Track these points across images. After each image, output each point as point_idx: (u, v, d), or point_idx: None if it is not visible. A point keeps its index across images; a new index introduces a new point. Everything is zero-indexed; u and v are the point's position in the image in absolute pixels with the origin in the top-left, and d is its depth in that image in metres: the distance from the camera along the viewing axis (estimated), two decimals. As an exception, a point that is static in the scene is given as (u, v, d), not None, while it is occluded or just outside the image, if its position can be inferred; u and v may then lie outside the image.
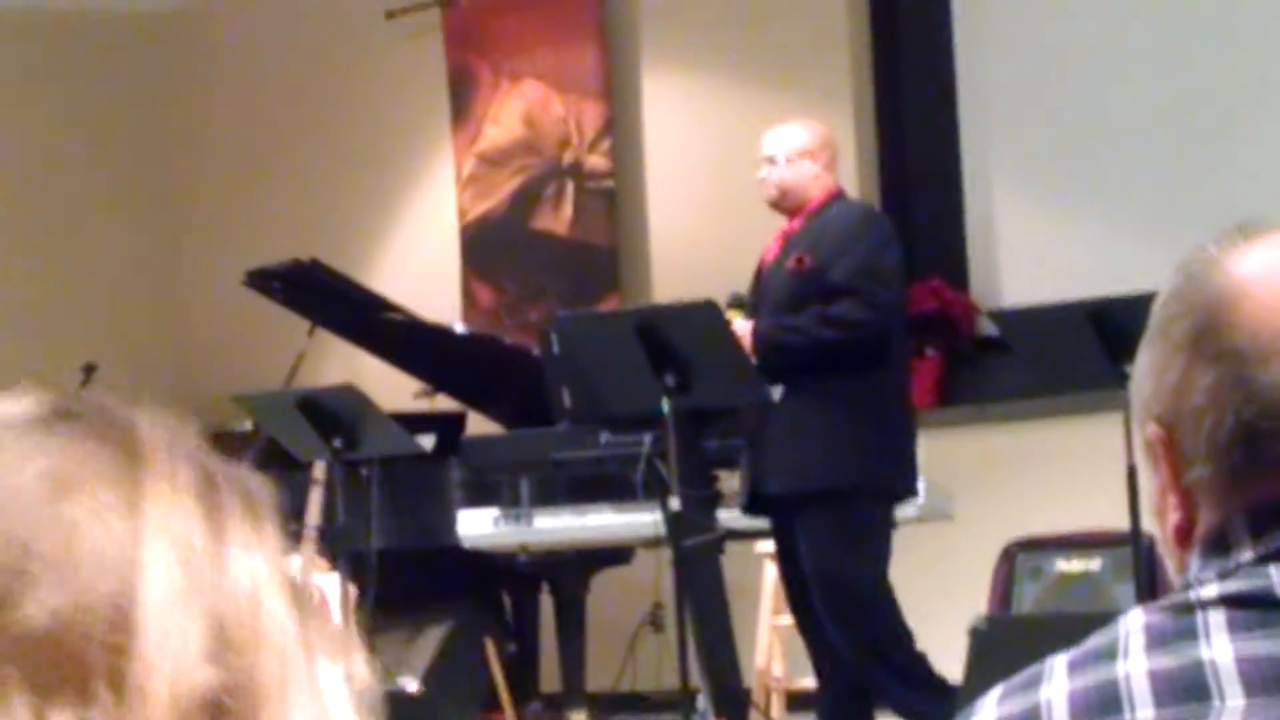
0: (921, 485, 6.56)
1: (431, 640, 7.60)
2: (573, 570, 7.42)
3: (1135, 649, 1.30)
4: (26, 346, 10.06)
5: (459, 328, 8.73)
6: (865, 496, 6.14)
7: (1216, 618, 1.30)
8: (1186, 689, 1.27)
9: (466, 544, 7.31)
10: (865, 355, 6.11)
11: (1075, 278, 7.57)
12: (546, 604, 7.74)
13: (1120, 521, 6.03)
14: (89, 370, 9.14)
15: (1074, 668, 1.32)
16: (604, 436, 7.05)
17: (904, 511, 6.43)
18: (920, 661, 6.23)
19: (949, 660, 6.17)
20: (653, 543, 6.88)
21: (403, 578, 7.16)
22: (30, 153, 10.45)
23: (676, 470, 6.09)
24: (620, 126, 9.34)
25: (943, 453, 7.77)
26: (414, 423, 7.43)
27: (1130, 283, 5.50)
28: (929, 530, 6.96)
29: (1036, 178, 8.47)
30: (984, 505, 7.49)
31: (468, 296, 9.73)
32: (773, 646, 7.59)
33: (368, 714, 0.91)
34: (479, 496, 7.31)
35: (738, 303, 6.34)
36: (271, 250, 8.53)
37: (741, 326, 6.16)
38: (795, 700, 7.54)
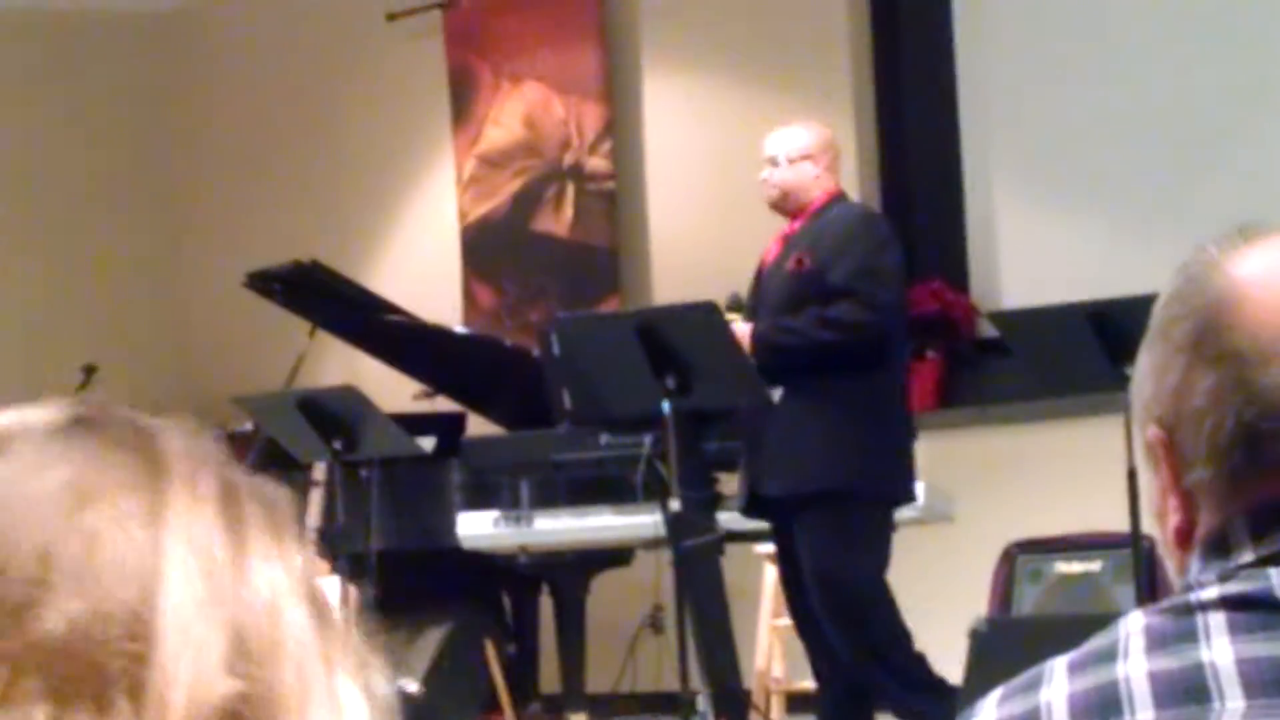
0: (922, 487, 6.55)
1: (431, 641, 7.59)
2: (573, 572, 7.42)
3: (1135, 651, 1.30)
4: (26, 347, 10.06)
5: (459, 329, 8.74)
6: (863, 499, 6.14)
7: (1217, 620, 1.30)
8: (1187, 691, 1.27)
9: (466, 545, 7.31)
10: (864, 357, 6.11)
11: (1076, 279, 7.57)
12: (546, 605, 7.74)
13: (1120, 523, 6.03)
14: (89, 371, 9.14)
15: (1074, 669, 1.32)
16: (604, 438, 7.05)
17: (904, 513, 6.43)
18: (919, 662, 6.23)
19: (949, 662, 6.17)
20: (653, 544, 6.88)
21: (402, 579, 7.16)
22: (30, 153, 10.45)
23: (676, 472, 6.09)
24: (621, 128, 9.35)
25: (943, 454, 7.77)
26: (414, 424, 7.43)
27: (1131, 284, 5.49)
28: (929, 532, 6.96)
29: (1037, 179, 8.46)
30: (984, 507, 7.49)
31: (468, 298, 9.73)
32: (773, 648, 7.59)
33: None
34: (479, 498, 7.31)
35: (736, 304, 6.34)
36: (272, 251, 8.53)
37: (740, 328, 6.17)
38: (795, 701, 7.54)
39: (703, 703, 6.57)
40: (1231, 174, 7.87)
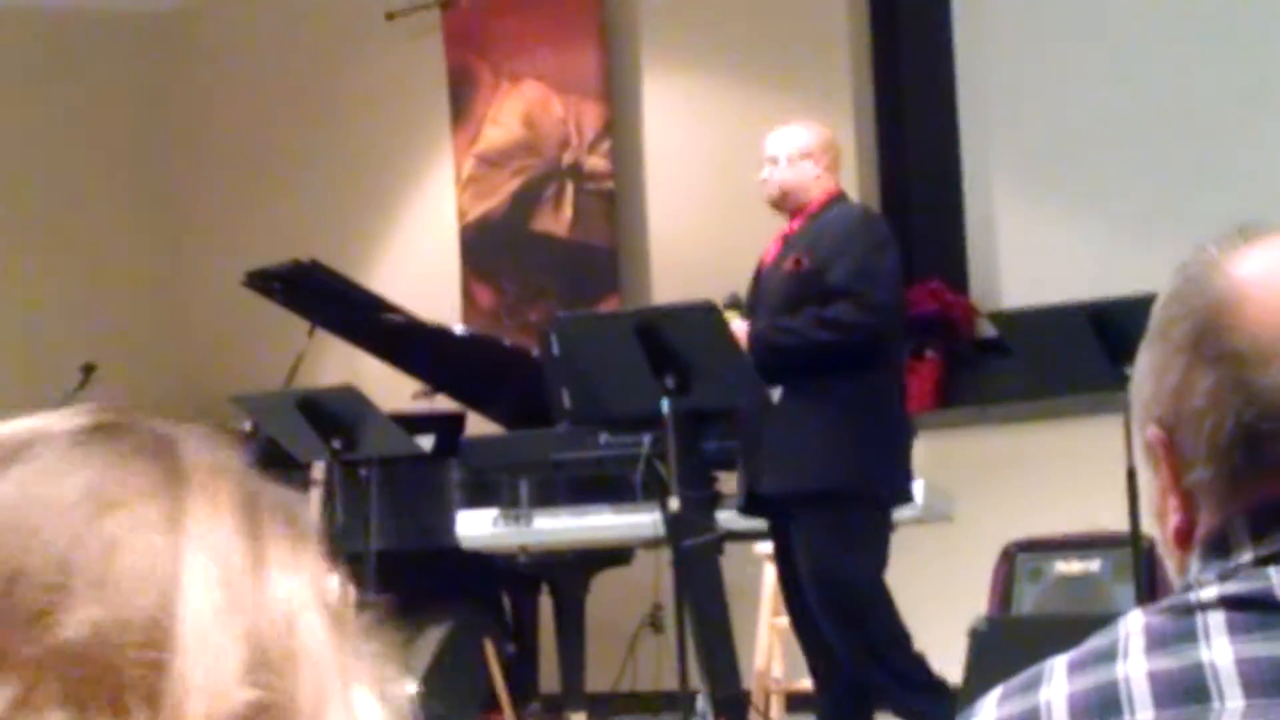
0: (921, 486, 6.56)
1: (431, 641, 7.60)
2: (572, 571, 7.42)
3: (1135, 650, 1.30)
4: (26, 346, 10.06)
5: (458, 328, 8.73)
6: (861, 499, 6.14)
7: (1216, 619, 1.30)
8: (1186, 691, 1.27)
9: (466, 545, 7.31)
10: (861, 357, 6.11)
11: (1075, 279, 7.57)
12: (546, 605, 7.74)
13: (1120, 523, 6.03)
14: (88, 370, 9.13)
15: (1074, 669, 1.32)
16: (603, 437, 7.05)
17: (904, 512, 6.44)
18: (918, 662, 6.23)
19: (949, 661, 6.17)
20: (652, 543, 6.89)
21: (402, 579, 7.16)
22: (30, 152, 10.46)
23: (676, 471, 6.09)
24: (620, 127, 9.35)
25: (943, 454, 7.77)
26: (413, 423, 7.43)
27: (1130, 284, 5.49)
28: (929, 531, 6.96)
29: (1036, 179, 8.47)
30: (984, 506, 7.49)
31: (467, 297, 9.73)
32: (772, 647, 7.59)
33: None
34: (478, 497, 7.31)
35: (735, 304, 6.35)
36: (271, 250, 8.53)
37: (738, 326, 6.17)
38: (795, 701, 7.54)
39: (702, 702, 6.57)
40: (1231, 174, 7.87)
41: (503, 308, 9.62)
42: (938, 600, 7.15)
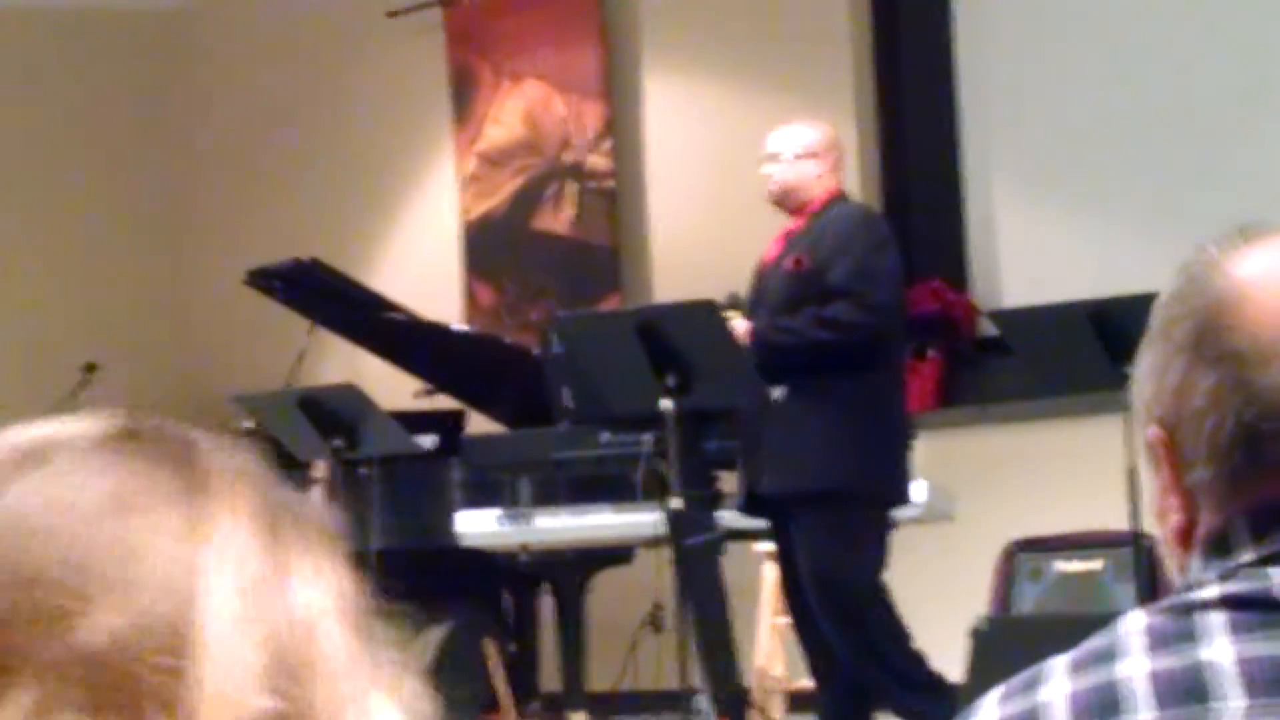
0: (922, 486, 6.56)
1: (431, 640, 7.60)
2: (573, 570, 7.42)
3: (1136, 650, 1.30)
4: (27, 345, 10.06)
5: (459, 327, 8.73)
6: (860, 499, 6.14)
7: (1217, 619, 1.30)
8: (1187, 690, 1.27)
9: (467, 544, 7.31)
10: (860, 357, 6.11)
11: (1076, 279, 7.57)
12: (547, 604, 7.74)
13: (1121, 522, 6.03)
14: (90, 369, 9.14)
15: (1074, 669, 1.32)
16: (604, 436, 7.05)
17: (905, 512, 6.44)
18: (918, 661, 6.23)
19: (949, 661, 6.17)
20: (653, 543, 6.88)
21: (403, 578, 7.15)
22: (30, 152, 10.45)
23: (677, 470, 6.10)
24: (621, 126, 9.35)
25: (943, 453, 7.77)
26: (414, 422, 7.43)
27: (1131, 284, 5.49)
28: (929, 531, 6.96)
29: (1037, 178, 8.47)
30: (985, 506, 7.49)
31: (468, 296, 9.73)
32: (773, 646, 7.59)
33: None
34: (479, 496, 7.31)
35: (735, 303, 6.35)
36: (272, 249, 8.53)
37: (738, 325, 6.17)
38: (796, 700, 7.54)
39: (703, 701, 6.57)
40: (1231, 174, 7.87)
41: (504, 307, 9.62)
42: (938, 600, 7.15)
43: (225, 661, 0.82)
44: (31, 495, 0.85)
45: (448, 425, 7.86)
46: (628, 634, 8.06)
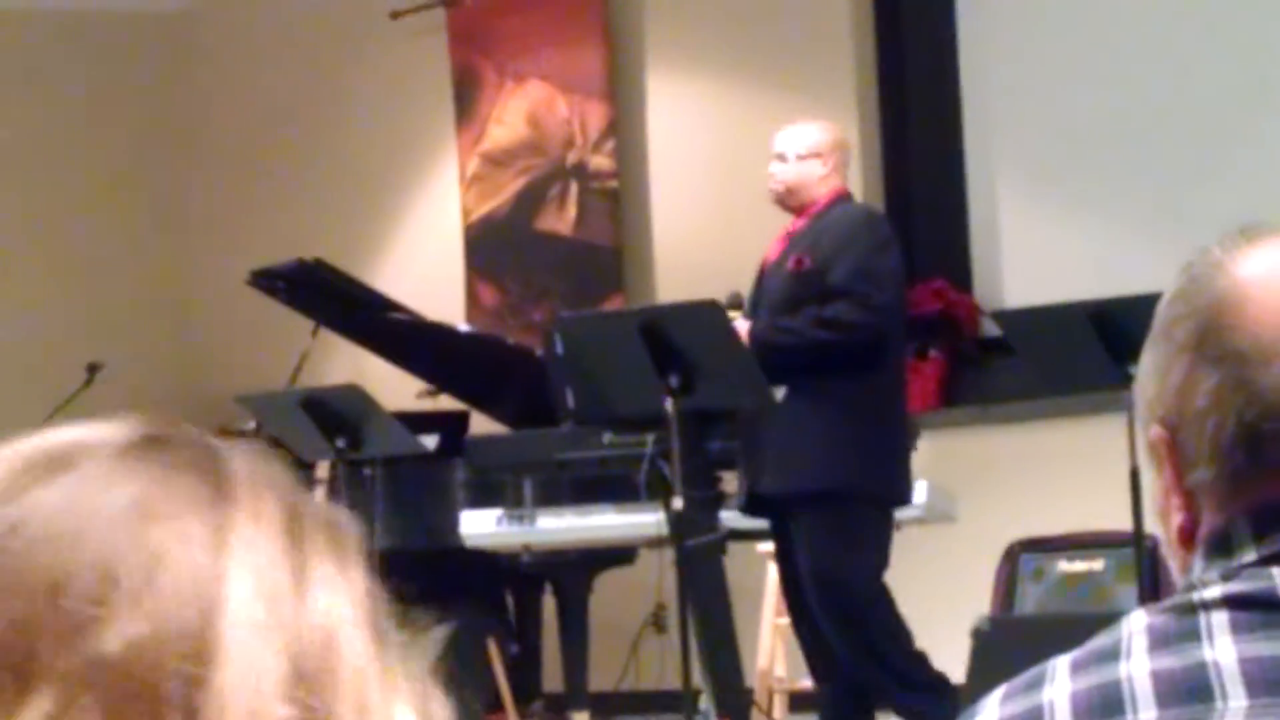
0: (924, 486, 6.56)
1: (434, 640, 7.58)
2: (576, 570, 7.42)
3: (1138, 650, 1.30)
4: (30, 346, 10.07)
5: (462, 327, 8.73)
6: (860, 499, 6.14)
7: (1219, 619, 1.30)
8: (1189, 690, 1.27)
9: (470, 544, 7.31)
10: (860, 358, 6.11)
11: (1078, 279, 7.57)
12: (549, 604, 7.74)
13: (1123, 522, 6.03)
14: (93, 370, 9.14)
15: (1076, 669, 1.32)
16: (607, 437, 7.04)
17: (907, 512, 6.44)
18: (918, 661, 6.23)
19: (951, 661, 6.17)
20: (656, 543, 6.88)
21: (406, 578, 7.15)
22: (33, 153, 10.46)
23: (680, 471, 6.10)
24: (624, 127, 9.35)
25: (946, 453, 7.78)
26: (417, 423, 7.43)
27: (1133, 284, 5.50)
28: (931, 531, 6.96)
29: (1039, 178, 8.47)
30: (987, 506, 7.49)
31: (471, 296, 9.73)
32: (775, 647, 7.59)
33: None
34: (482, 496, 7.31)
35: (736, 302, 6.35)
36: (275, 249, 8.53)
37: (739, 326, 6.17)
38: (798, 701, 7.53)
39: (705, 702, 6.57)
40: (1233, 174, 7.87)
41: (507, 307, 9.62)
42: (940, 600, 7.15)
43: (247, 670, 0.82)
44: (56, 501, 0.85)
45: (451, 426, 7.86)
46: (630, 634, 8.06)
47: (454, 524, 7.29)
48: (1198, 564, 1.38)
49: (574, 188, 9.46)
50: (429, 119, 9.89)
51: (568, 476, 7.16)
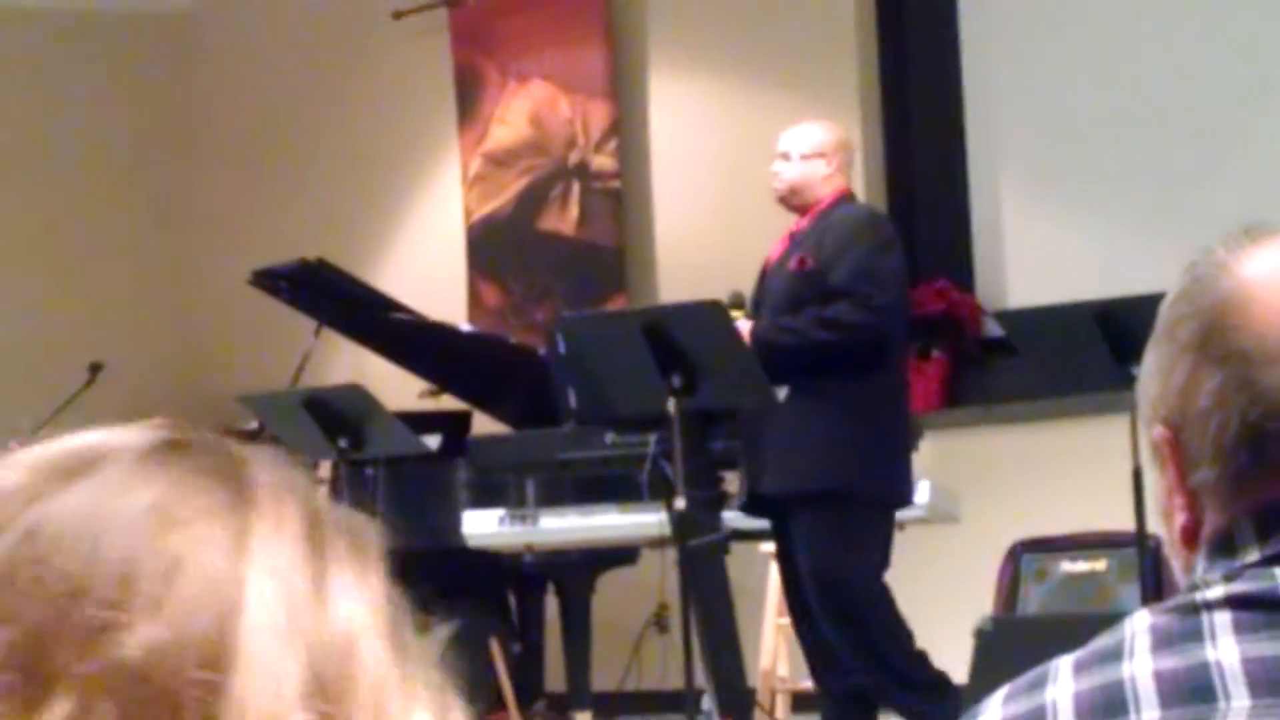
0: (927, 486, 6.56)
1: (436, 640, 7.58)
2: (578, 570, 7.42)
3: (1141, 650, 1.30)
4: (33, 345, 10.07)
5: (465, 327, 8.73)
6: (860, 499, 6.14)
7: (1222, 619, 1.30)
8: (1192, 690, 1.27)
9: (472, 544, 7.31)
10: (862, 358, 6.11)
11: (1081, 279, 7.57)
12: (552, 604, 7.74)
13: (1126, 522, 6.03)
14: (95, 369, 9.14)
15: (1079, 669, 1.32)
16: (609, 437, 7.04)
17: (910, 512, 6.44)
18: (919, 661, 6.23)
19: (954, 661, 6.17)
20: (658, 543, 6.88)
21: (408, 578, 7.15)
22: (36, 152, 10.46)
23: (682, 471, 6.10)
24: (627, 127, 9.35)
25: (948, 454, 7.77)
26: (420, 422, 7.43)
27: (1136, 284, 5.50)
28: (934, 531, 6.96)
29: (1043, 179, 8.47)
30: (990, 506, 7.49)
31: (473, 296, 9.73)
32: (778, 647, 7.59)
33: None
34: (485, 496, 7.31)
35: (737, 302, 6.35)
36: (277, 249, 8.53)
37: (741, 326, 6.17)
38: (800, 701, 7.54)
39: (708, 702, 6.57)
40: (1237, 175, 7.87)
41: (509, 307, 9.62)
42: (943, 600, 7.15)
43: (266, 677, 0.81)
44: (76, 504, 0.84)
45: (453, 426, 7.86)
46: (632, 634, 8.06)
47: (456, 524, 7.29)
48: (1200, 564, 1.38)
49: (576, 188, 9.46)
50: (431, 119, 9.89)
51: (570, 476, 7.16)
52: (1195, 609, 1.31)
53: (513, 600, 7.98)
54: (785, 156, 6.39)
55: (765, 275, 6.42)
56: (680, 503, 6.13)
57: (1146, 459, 1.44)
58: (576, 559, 7.38)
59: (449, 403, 8.40)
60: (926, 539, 6.94)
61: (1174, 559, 1.42)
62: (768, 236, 6.58)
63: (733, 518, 6.69)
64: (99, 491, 0.85)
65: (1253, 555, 1.34)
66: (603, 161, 9.38)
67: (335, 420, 6.95)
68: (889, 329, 6.18)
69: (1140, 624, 1.32)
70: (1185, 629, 1.30)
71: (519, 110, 9.64)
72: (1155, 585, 5.98)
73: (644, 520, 6.82)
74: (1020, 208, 8.52)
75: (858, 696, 6.34)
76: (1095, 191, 8.26)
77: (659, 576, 7.52)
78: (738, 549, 6.99)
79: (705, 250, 8.82)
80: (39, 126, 10.48)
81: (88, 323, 10.27)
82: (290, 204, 10.37)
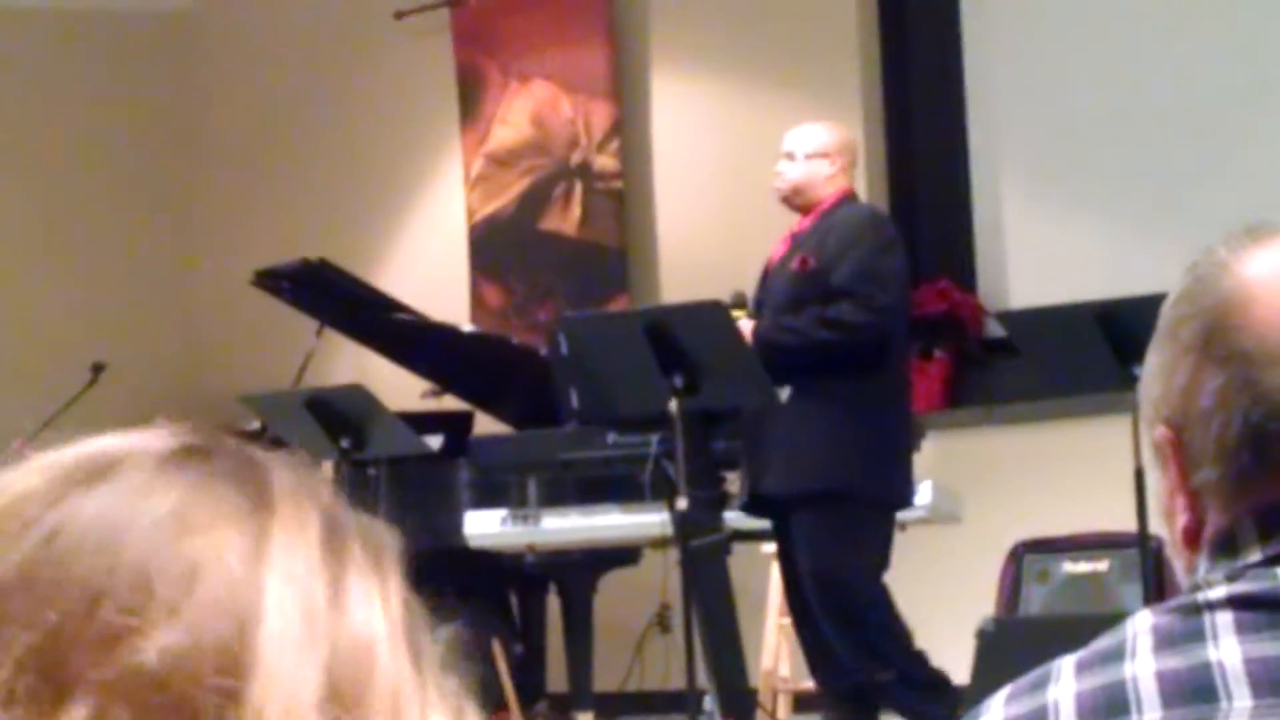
0: (929, 486, 6.56)
1: (437, 640, 7.58)
2: (580, 570, 7.42)
3: (1143, 650, 1.30)
4: (35, 346, 10.07)
5: (467, 328, 8.73)
6: (860, 499, 6.14)
7: (1224, 619, 1.30)
8: (1194, 690, 1.27)
9: (474, 544, 7.31)
10: (863, 358, 6.11)
11: (1083, 279, 7.57)
12: (554, 604, 7.74)
13: (1128, 523, 6.03)
14: (97, 370, 9.13)
15: (1081, 669, 1.32)
16: (611, 437, 7.05)
17: (911, 513, 6.44)
18: (919, 661, 6.23)
19: (956, 662, 6.17)
20: (660, 543, 6.88)
21: (410, 578, 7.14)
22: (38, 152, 10.46)
23: (684, 471, 6.10)
24: (629, 127, 9.35)
25: (950, 454, 7.77)
26: (422, 423, 7.43)
27: (1138, 284, 5.50)
28: (936, 531, 6.95)
29: (1044, 179, 8.47)
30: (991, 506, 7.49)
31: (475, 297, 9.73)
32: (779, 647, 7.59)
33: None
34: (487, 497, 7.31)
35: (740, 302, 6.35)
36: (279, 249, 8.53)
37: (743, 326, 6.17)
38: (802, 701, 7.54)
39: (709, 702, 6.57)
40: (1239, 175, 7.87)
41: (511, 307, 9.62)
42: (945, 600, 7.15)
43: (283, 684, 0.81)
44: (95, 510, 0.84)
45: (455, 426, 7.86)
46: (634, 634, 8.06)
47: (458, 524, 7.29)
48: (1202, 564, 1.38)
49: (578, 188, 9.46)
50: (433, 119, 9.89)
51: (572, 477, 7.16)
52: (1197, 609, 1.31)
53: (515, 600, 7.98)
54: (790, 156, 6.39)
55: (767, 275, 6.42)
56: (682, 503, 6.13)
57: (1148, 459, 1.44)
58: (578, 559, 7.38)
59: (451, 403, 8.40)
60: (928, 539, 6.94)
61: (1176, 559, 1.42)
62: (770, 236, 6.58)
63: (734, 518, 6.69)
64: (119, 496, 0.85)
65: (1255, 555, 1.34)
66: (605, 162, 9.38)
67: (337, 420, 6.95)
68: (891, 329, 6.18)
69: (1142, 624, 1.32)
70: (1187, 629, 1.30)
71: (521, 110, 9.64)
72: (1157, 586, 5.98)
73: (646, 520, 6.82)
74: (1022, 208, 8.52)
75: (858, 696, 6.34)
76: (1096, 191, 8.26)
77: (661, 577, 7.52)
78: (739, 549, 6.99)
79: (707, 250, 8.82)
80: (39, 126, 10.48)
81: (89, 323, 10.27)
82: (292, 204, 10.37)
